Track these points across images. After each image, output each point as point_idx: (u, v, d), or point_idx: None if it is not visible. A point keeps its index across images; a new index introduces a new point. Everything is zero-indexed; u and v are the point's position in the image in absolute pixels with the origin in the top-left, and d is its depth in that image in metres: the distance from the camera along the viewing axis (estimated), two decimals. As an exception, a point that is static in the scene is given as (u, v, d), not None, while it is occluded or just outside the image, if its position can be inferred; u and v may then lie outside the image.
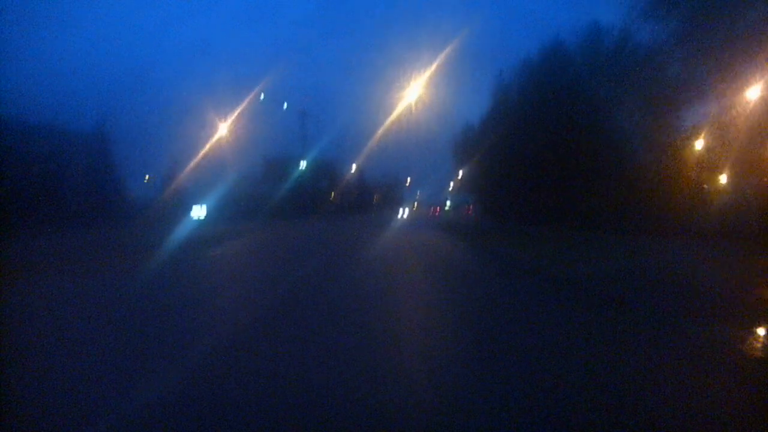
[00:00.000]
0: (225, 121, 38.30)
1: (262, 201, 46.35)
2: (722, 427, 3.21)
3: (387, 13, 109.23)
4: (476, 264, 13.53)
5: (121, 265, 12.43)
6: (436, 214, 68.22)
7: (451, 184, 59.65)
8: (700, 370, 4.27)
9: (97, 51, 74.52)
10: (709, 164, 20.46)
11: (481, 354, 4.80)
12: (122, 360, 4.61)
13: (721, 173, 20.57)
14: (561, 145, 23.14)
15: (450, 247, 17.98)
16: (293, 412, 3.38)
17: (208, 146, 37.53)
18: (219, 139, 38.34)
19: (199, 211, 38.21)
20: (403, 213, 62.96)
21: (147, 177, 43.02)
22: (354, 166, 62.41)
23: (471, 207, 49.81)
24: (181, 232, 24.62)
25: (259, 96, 41.43)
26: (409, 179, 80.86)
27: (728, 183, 20.61)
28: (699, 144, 20.57)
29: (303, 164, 54.17)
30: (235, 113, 38.58)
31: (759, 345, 5.11)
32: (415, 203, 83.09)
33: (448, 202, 68.24)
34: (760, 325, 5.88)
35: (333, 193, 62.10)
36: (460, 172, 44.35)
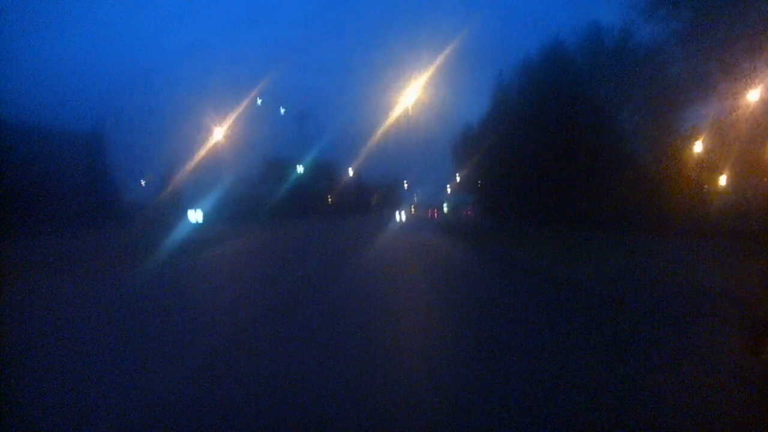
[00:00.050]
0: (224, 122, 38.31)
1: (261, 202, 46.39)
2: (722, 427, 3.21)
3: (386, 13, 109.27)
4: (476, 264, 13.52)
5: (120, 266, 12.43)
6: (434, 216, 62.87)
7: (449, 186, 59.38)
8: (700, 370, 4.27)
9: (96, 52, 74.43)
10: (710, 164, 20.49)
11: (481, 354, 4.80)
12: (122, 360, 4.61)
13: (721, 173, 20.60)
14: (561, 145, 23.14)
15: (450, 247, 17.98)
16: (293, 412, 3.38)
17: (206, 148, 37.53)
18: (218, 141, 38.32)
19: (195, 215, 37.86)
20: (400, 216, 55.93)
21: (144, 178, 43.02)
22: (352, 167, 62.48)
23: (470, 208, 49.60)
24: (180, 234, 24.62)
25: (257, 96, 41.47)
26: (406, 181, 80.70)
27: (728, 183, 20.64)
28: (699, 144, 20.60)
29: (301, 165, 54.20)
30: (234, 115, 38.61)
31: (759, 345, 5.11)
32: (413, 205, 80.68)
33: (446, 204, 64.72)
34: (760, 325, 5.87)
35: (331, 195, 62.10)
36: (459, 174, 44.33)
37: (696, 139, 20.38)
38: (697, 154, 20.77)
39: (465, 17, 74.04)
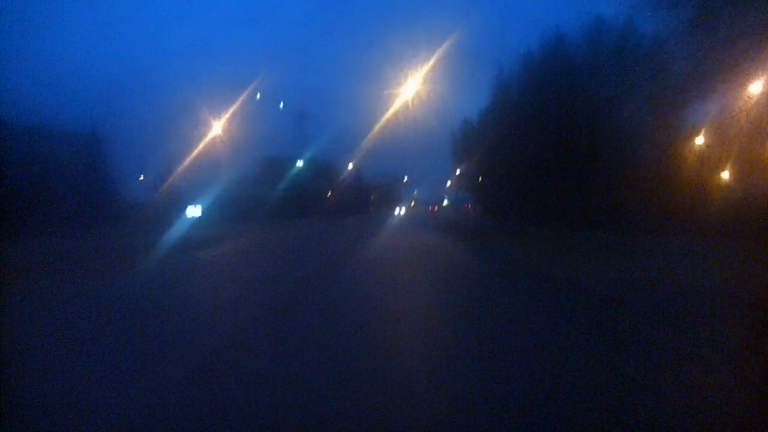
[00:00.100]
0: (223, 121, 38.26)
1: (260, 201, 46.36)
2: (722, 427, 3.21)
3: (385, 12, 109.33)
4: (476, 264, 13.53)
5: (119, 266, 12.43)
6: (435, 211, 73.12)
7: (449, 182, 59.99)
8: (700, 370, 4.27)
9: (96, 52, 74.56)
10: (711, 163, 20.46)
11: (481, 354, 4.80)
12: (122, 360, 4.61)
13: (722, 172, 20.58)
14: (561, 144, 23.12)
15: (449, 247, 17.98)
16: (293, 412, 3.38)
17: (206, 147, 37.48)
18: (217, 140, 38.28)
19: (194, 211, 38.15)
20: (400, 211, 68.75)
21: (141, 177, 42.97)
22: (352, 166, 62.51)
23: (469, 205, 49.90)
24: (179, 233, 24.62)
25: (256, 95, 41.44)
26: (406, 178, 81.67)
27: (730, 182, 20.62)
28: (700, 143, 20.58)
29: (301, 164, 54.21)
30: (234, 114, 38.53)
31: (759, 345, 5.11)
32: (413, 202, 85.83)
33: (446, 201, 71.67)
34: (760, 325, 5.87)
35: (331, 193, 62.09)
36: (458, 171, 44.36)
37: (697, 138, 20.37)
38: (698, 153, 20.76)
39: (465, 15, 74.06)
